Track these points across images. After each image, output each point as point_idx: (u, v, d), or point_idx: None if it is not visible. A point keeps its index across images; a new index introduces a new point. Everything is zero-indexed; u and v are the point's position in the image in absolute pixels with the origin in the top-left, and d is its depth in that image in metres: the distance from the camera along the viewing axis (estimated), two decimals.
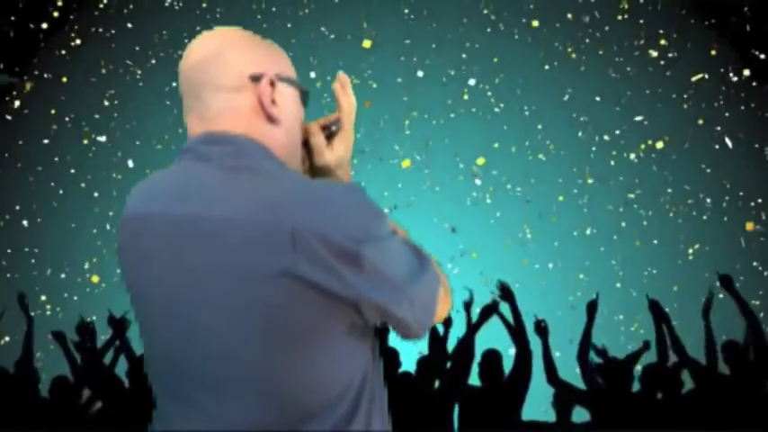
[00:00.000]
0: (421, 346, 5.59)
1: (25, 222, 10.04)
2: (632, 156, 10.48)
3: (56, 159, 10.41)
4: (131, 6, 10.53)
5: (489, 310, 5.47)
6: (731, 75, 10.23)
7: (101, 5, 10.51)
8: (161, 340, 1.43)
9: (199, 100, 1.45)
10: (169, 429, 1.43)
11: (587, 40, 10.60)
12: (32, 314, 5.51)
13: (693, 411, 4.76)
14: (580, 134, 10.60)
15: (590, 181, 10.49)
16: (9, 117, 10.30)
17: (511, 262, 9.64)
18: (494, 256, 9.67)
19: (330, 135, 1.61)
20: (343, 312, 1.31)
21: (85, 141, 10.44)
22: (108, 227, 10.09)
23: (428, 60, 10.52)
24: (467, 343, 5.24)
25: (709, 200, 10.08)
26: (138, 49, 10.50)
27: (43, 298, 9.62)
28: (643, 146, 10.36)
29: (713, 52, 10.26)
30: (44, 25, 10.25)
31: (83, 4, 10.55)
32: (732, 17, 10.17)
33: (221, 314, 1.30)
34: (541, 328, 5.36)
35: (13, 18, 9.84)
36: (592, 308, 5.38)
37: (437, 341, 5.34)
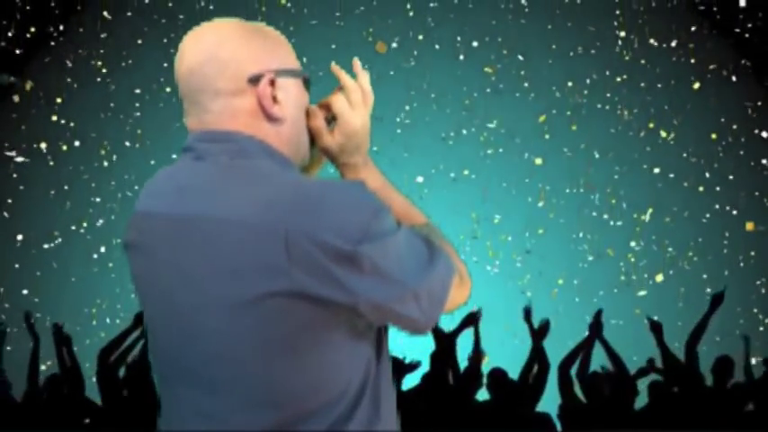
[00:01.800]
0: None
1: (25, 291, 10.13)
2: (635, 215, 10.70)
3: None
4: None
5: (470, 321, 5.65)
6: (734, 127, 10.48)
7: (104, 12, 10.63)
8: (161, 339, 1.45)
9: (198, 105, 1.45)
10: (170, 429, 1.47)
11: (588, 94, 10.85)
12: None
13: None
14: (581, 190, 10.81)
15: (589, 239, 10.66)
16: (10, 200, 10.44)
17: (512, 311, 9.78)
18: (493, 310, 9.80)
19: (332, 118, 1.58)
20: (341, 315, 1.30)
21: (86, 224, 10.59)
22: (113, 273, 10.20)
23: (428, 117, 10.76)
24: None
25: (710, 257, 10.23)
26: (139, 89, 10.64)
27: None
28: (647, 212, 10.56)
29: (716, 132, 10.47)
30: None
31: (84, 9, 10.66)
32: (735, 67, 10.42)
33: (216, 315, 1.32)
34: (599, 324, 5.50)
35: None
36: (596, 326, 5.52)
37: (443, 354, 5.47)
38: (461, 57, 10.85)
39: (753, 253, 10.12)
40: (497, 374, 5.34)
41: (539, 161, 10.71)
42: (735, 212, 10.25)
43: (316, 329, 1.30)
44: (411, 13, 10.96)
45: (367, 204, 1.30)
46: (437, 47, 10.88)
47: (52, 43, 10.58)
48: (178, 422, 1.44)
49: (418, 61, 10.86)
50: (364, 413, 1.39)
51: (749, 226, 10.05)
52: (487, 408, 5.21)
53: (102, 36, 10.64)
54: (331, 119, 1.57)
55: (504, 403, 5.16)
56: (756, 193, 10.21)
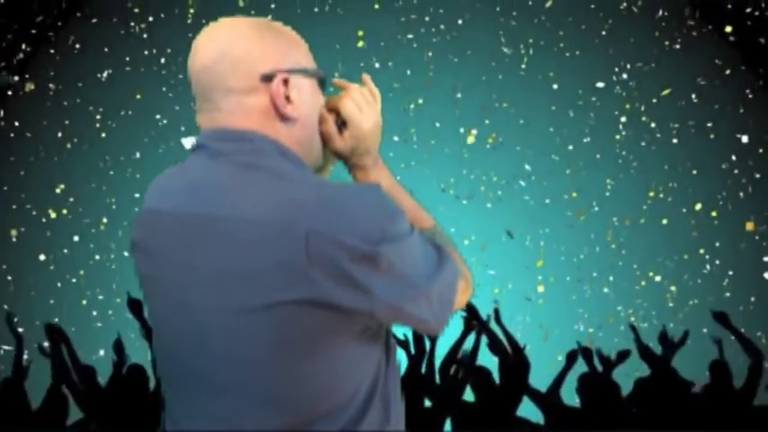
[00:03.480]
0: None
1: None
2: (634, 265, 10.82)
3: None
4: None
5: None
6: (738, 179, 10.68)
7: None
8: (169, 338, 1.45)
9: (210, 102, 1.45)
10: (177, 429, 1.47)
11: (587, 147, 11.06)
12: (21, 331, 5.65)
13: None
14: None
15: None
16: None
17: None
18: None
19: (343, 122, 1.59)
20: (354, 319, 1.33)
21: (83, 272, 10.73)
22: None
23: (427, 170, 10.91)
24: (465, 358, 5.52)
25: (711, 298, 10.28)
26: (137, 137, 10.78)
27: None
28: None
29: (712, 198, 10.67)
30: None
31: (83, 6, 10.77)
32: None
33: (229, 316, 1.32)
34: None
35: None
36: (572, 356, 5.71)
37: (422, 356, 5.56)
38: (458, 109, 11.08)
39: (753, 299, 10.19)
40: (484, 373, 5.42)
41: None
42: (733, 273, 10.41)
43: (329, 334, 1.32)
44: (409, 71, 11.20)
45: (385, 207, 1.33)
46: (436, 99, 11.10)
47: (50, 91, 10.76)
48: (186, 423, 1.45)
49: (417, 110, 11.08)
50: (375, 415, 1.42)
51: (749, 226, 10.13)
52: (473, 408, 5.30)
53: (102, 81, 10.85)
54: (341, 123, 1.59)
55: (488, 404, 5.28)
56: (756, 237, 10.33)
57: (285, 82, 1.44)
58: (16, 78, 10.17)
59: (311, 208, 1.28)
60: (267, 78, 1.43)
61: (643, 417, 5.09)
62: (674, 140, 10.86)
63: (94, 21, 10.83)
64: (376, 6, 11.05)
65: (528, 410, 5.40)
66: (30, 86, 10.35)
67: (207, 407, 1.40)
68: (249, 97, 1.43)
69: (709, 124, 10.73)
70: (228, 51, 1.43)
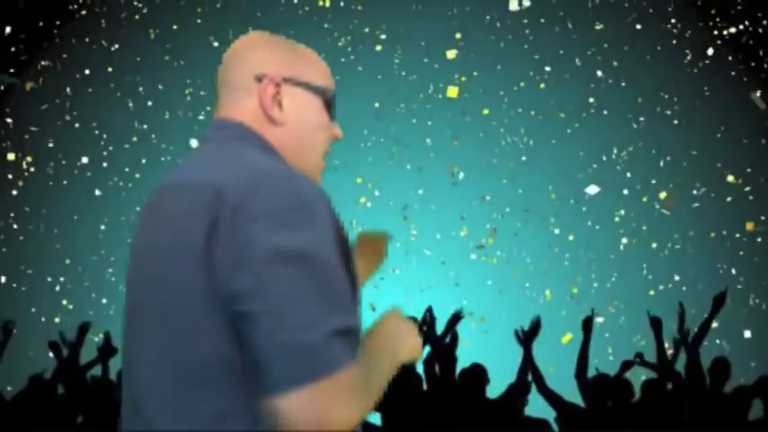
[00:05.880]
0: None
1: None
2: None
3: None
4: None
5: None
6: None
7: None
8: (126, 324, 1.49)
9: (220, 95, 1.60)
10: (124, 429, 1.47)
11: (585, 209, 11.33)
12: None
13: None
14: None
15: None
16: None
17: None
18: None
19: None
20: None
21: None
22: None
23: (427, 246, 11.15)
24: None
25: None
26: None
27: None
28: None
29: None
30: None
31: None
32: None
33: (154, 294, 1.38)
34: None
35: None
36: (587, 325, 5.62)
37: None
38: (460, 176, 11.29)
39: (753, 364, 10.18)
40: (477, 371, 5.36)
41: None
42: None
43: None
44: (412, 137, 11.45)
45: (300, 197, 1.34)
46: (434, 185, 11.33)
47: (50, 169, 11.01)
48: (127, 423, 1.47)
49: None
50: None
51: (749, 226, 10.27)
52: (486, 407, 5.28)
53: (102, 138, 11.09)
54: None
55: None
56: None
57: (278, 86, 1.54)
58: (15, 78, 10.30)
59: (230, 176, 1.36)
60: (259, 79, 1.55)
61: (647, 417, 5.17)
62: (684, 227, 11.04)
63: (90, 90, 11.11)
64: (376, 105, 11.33)
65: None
66: (30, 85, 10.49)
67: (140, 406, 1.40)
68: (246, 95, 1.55)
69: (713, 194, 10.90)
70: (240, 53, 1.59)
